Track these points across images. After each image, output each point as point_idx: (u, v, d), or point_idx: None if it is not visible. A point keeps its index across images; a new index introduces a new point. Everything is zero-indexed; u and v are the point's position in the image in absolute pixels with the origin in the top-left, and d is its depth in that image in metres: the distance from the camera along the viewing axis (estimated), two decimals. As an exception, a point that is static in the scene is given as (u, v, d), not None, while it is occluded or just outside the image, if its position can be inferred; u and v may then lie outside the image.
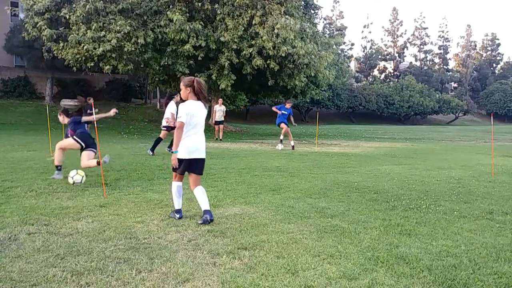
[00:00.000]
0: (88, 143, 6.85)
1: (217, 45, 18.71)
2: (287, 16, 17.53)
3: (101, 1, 17.52)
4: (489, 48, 73.86)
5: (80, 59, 18.54)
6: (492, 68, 73.06)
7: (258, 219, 4.72)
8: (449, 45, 71.18)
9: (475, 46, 73.57)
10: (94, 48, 17.29)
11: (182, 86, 4.58)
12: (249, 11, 18.41)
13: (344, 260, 3.48)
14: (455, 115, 60.96)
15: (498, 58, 74.22)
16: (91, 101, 16.50)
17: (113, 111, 7.38)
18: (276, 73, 19.86)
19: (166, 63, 18.90)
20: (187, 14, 18.41)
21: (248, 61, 19.03)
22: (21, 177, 6.88)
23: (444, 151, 14.57)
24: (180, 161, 4.51)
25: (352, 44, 75.93)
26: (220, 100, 17.79)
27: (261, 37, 17.90)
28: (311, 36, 20.05)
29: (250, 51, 18.42)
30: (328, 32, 46.96)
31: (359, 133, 27.89)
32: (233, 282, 3.01)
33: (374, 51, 66.28)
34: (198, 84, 4.49)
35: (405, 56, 70.17)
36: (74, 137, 6.84)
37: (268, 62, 18.66)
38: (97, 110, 7.30)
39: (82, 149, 6.84)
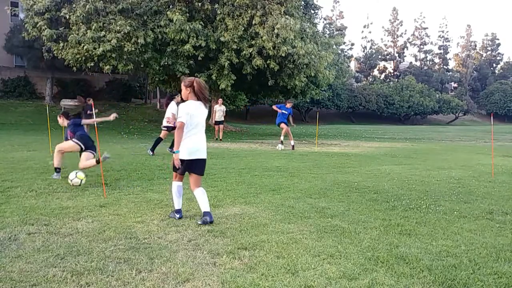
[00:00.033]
0: (88, 145, 6.86)
1: (217, 45, 18.71)
2: (287, 16, 17.53)
3: (101, 1, 17.53)
4: (489, 48, 73.87)
5: (80, 59, 18.54)
6: (492, 68, 73.07)
7: (258, 219, 4.72)
8: (449, 45, 71.25)
9: (475, 46, 73.59)
10: (94, 48, 17.30)
11: (182, 86, 4.59)
12: (249, 11, 18.41)
13: (344, 260, 3.47)
14: (455, 115, 60.96)
15: (498, 58, 74.23)
16: (91, 101, 16.51)
17: (113, 116, 7.43)
18: (276, 73, 19.86)
19: (166, 63, 18.90)
20: (187, 14, 18.41)
21: (248, 61, 19.03)
22: (21, 177, 6.88)
23: (444, 151, 14.57)
24: (181, 161, 4.51)
25: (352, 44, 75.98)
26: (220, 100, 17.80)
27: (261, 37, 17.90)
28: (311, 36, 20.05)
29: (250, 51, 18.42)
30: (328, 32, 46.96)
31: (359, 133, 27.89)
32: (233, 282, 3.01)
33: (374, 51, 66.29)
34: (198, 84, 4.49)
35: (405, 56, 70.22)
36: (74, 139, 6.85)
37: (268, 62, 18.66)
38: (97, 110, 7.32)
39: (81, 151, 6.85)
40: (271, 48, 17.76)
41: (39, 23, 18.40)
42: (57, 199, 5.49)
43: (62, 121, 7.19)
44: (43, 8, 18.23)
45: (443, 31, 70.85)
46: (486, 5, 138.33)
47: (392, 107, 54.44)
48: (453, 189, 6.86)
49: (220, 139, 16.91)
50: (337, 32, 49.41)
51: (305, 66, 19.39)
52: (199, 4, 18.81)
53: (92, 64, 18.67)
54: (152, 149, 10.65)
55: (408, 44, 69.66)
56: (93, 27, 17.27)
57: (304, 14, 22.25)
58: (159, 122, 24.17)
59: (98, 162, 6.57)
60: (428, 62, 71.06)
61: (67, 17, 17.86)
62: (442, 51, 70.65)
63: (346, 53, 58.37)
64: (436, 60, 71.45)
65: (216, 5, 19.32)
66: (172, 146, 10.41)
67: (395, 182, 7.40)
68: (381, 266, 3.38)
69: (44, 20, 18.36)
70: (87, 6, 17.24)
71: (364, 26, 72.15)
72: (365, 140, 20.35)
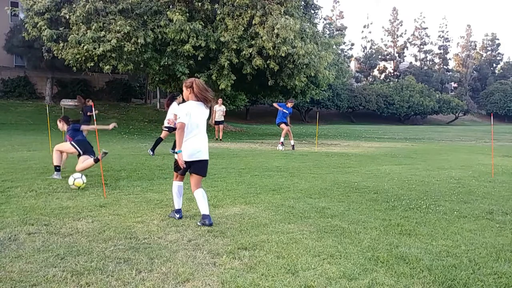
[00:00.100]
0: (86, 150, 6.86)
1: (217, 45, 18.71)
2: (287, 16, 17.52)
3: (101, 1, 17.53)
4: (489, 48, 73.86)
5: (80, 59, 18.53)
6: (492, 68, 73.05)
7: (258, 219, 4.72)
8: (449, 45, 71.25)
9: (475, 46, 73.57)
10: (94, 48, 17.29)
11: (183, 87, 4.59)
12: (249, 11, 18.41)
13: (344, 260, 3.48)
14: (455, 115, 60.95)
15: (498, 58, 74.20)
16: (90, 102, 16.48)
17: (112, 125, 7.59)
18: (276, 73, 19.85)
19: (166, 63, 18.90)
20: (187, 14, 18.41)
21: (248, 61, 19.03)
22: (21, 177, 6.88)
23: (444, 151, 14.57)
24: None
25: (352, 44, 76.05)
26: (220, 100, 17.80)
27: (261, 37, 17.90)
28: (311, 36, 20.03)
29: (250, 51, 18.42)
30: (328, 32, 47.04)
31: (359, 133, 27.90)
32: (233, 282, 3.01)
33: (374, 51, 66.29)
34: (197, 85, 4.48)
35: (405, 56, 70.20)
36: (72, 142, 6.86)
37: (268, 62, 18.66)
38: (97, 111, 7.34)
39: (79, 155, 6.86)
40: (271, 48, 17.75)
41: (39, 23, 18.39)
42: (57, 199, 5.49)
43: (62, 126, 7.21)
44: (43, 8, 18.23)
45: (443, 31, 70.88)
46: (486, 5, 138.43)
47: (392, 107, 54.44)
48: (453, 189, 6.86)
49: (220, 139, 16.92)
50: (337, 32, 49.47)
51: (305, 66, 19.39)
52: (199, 4, 18.80)
53: (92, 64, 18.66)
54: (153, 149, 10.65)
55: (408, 44, 69.67)
56: (93, 27, 17.27)
57: (304, 14, 22.24)
58: (159, 122, 24.20)
59: (97, 161, 6.57)
60: (428, 62, 71.06)
61: (67, 17, 17.86)
62: (442, 51, 70.64)
63: (346, 53, 58.44)
64: (436, 60, 71.45)
65: (216, 5, 19.31)
66: (174, 147, 10.42)
67: (395, 182, 7.40)
68: (381, 266, 3.38)
69: (44, 20, 18.36)
70: (87, 6, 17.24)
71: (364, 26, 72.12)
72: (365, 140, 20.35)
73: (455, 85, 73.86)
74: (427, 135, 27.54)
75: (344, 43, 55.29)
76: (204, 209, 4.47)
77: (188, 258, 3.48)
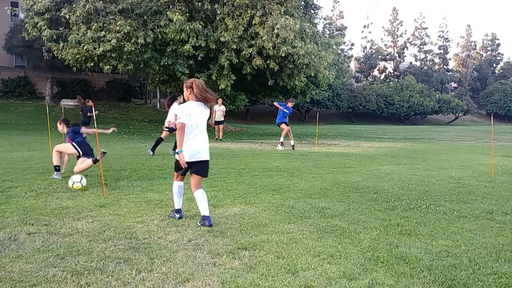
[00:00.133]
0: (86, 152, 6.88)
1: (217, 45, 18.70)
2: (287, 16, 17.52)
3: (101, 1, 17.52)
4: (489, 48, 73.85)
5: (80, 59, 18.53)
6: (492, 68, 73.05)
7: (258, 219, 4.72)
8: (449, 45, 71.23)
9: (475, 46, 73.56)
10: (94, 48, 17.29)
11: (184, 87, 4.59)
12: (249, 11, 18.40)
13: (344, 260, 3.48)
14: (455, 115, 60.94)
15: (498, 58, 74.20)
16: (90, 103, 16.48)
17: (111, 130, 7.68)
18: (276, 73, 19.85)
19: (166, 63, 18.90)
20: (187, 14, 18.41)
21: (248, 61, 19.03)
22: (21, 177, 6.88)
23: (444, 151, 14.57)
24: None
25: (352, 44, 76.03)
26: (220, 100, 17.79)
27: (261, 37, 17.89)
28: (311, 36, 20.03)
29: (250, 51, 18.41)
30: (328, 32, 47.04)
31: (359, 133, 27.90)
32: (233, 282, 3.01)
33: (374, 51, 66.29)
34: (197, 85, 4.48)
35: (405, 56, 70.19)
36: (73, 143, 6.87)
37: (268, 62, 18.66)
38: (97, 112, 7.36)
39: (78, 157, 6.87)
40: (271, 48, 17.75)
41: (39, 23, 18.39)
42: (57, 199, 5.49)
43: (62, 128, 7.21)
44: (43, 8, 18.22)
45: (443, 31, 70.87)
46: (486, 5, 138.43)
47: (392, 107, 54.44)
48: (453, 189, 6.86)
49: (220, 139, 16.92)
50: (337, 32, 49.47)
51: (305, 66, 19.38)
52: (199, 4, 18.80)
53: (92, 64, 18.66)
54: (153, 149, 10.65)
55: (408, 44, 69.67)
56: (93, 27, 17.26)
57: (304, 14, 22.23)
58: (159, 122, 24.20)
59: (95, 161, 6.60)
60: (428, 62, 71.05)
61: (67, 17, 17.85)
62: (442, 51, 70.63)
63: (346, 53, 58.44)
64: (436, 60, 71.45)
65: (216, 5, 19.31)
66: (174, 148, 10.42)
67: (395, 182, 7.40)
68: (381, 266, 3.38)
69: (44, 20, 18.35)
70: (87, 6, 17.23)
71: (364, 26, 72.10)
72: (365, 140, 20.35)
73: (455, 85, 73.86)
74: (427, 135, 27.55)
75: (344, 43, 55.31)
76: (204, 210, 4.46)
77: (188, 258, 3.48)
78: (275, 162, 9.86)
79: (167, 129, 10.63)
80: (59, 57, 19.47)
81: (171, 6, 18.94)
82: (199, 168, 4.53)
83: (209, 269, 3.27)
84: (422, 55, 70.74)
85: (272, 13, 17.75)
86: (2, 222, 4.35)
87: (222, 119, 17.48)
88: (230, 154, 11.47)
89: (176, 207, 4.70)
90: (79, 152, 6.83)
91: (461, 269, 3.34)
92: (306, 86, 23.43)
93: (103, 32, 17.31)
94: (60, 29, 18.30)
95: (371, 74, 67.61)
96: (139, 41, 17.40)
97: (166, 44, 18.75)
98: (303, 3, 23.36)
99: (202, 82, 4.59)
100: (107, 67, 18.40)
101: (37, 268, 3.19)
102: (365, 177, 7.99)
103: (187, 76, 18.20)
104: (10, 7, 22.04)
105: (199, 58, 18.74)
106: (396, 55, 69.06)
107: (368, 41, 68.08)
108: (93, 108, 7.31)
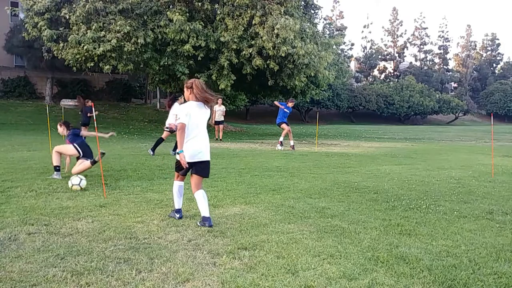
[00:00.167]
0: (86, 153, 6.90)
1: (217, 45, 18.70)
2: (287, 16, 17.51)
3: (101, 1, 17.52)
4: (489, 48, 73.85)
5: (80, 59, 18.53)
6: (492, 68, 73.05)
7: (258, 219, 4.72)
8: (449, 45, 71.23)
9: (475, 46, 73.57)
10: (94, 48, 17.29)
11: (184, 87, 4.60)
12: (249, 11, 18.40)
13: (344, 260, 3.48)
14: (455, 115, 60.95)
15: (498, 58, 74.20)
16: (90, 103, 16.46)
17: (110, 134, 7.74)
18: (276, 73, 19.85)
19: (166, 63, 18.90)
20: (187, 14, 18.40)
21: (248, 61, 19.03)
22: (21, 177, 6.88)
23: (444, 151, 14.57)
24: None
25: (352, 44, 76.04)
26: (220, 100, 17.78)
27: (261, 37, 17.89)
28: (311, 36, 20.02)
29: (250, 51, 18.41)
30: (328, 32, 47.01)
31: (359, 133, 27.90)
32: (233, 282, 3.01)
33: (374, 51, 66.28)
34: (197, 85, 4.48)
35: (405, 56, 70.20)
36: (75, 144, 6.89)
37: (268, 62, 18.66)
38: (97, 112, 7.38)
39: (78, 158, 6.88)
40: (271, 48, 17.75)
41: (39, 23, 18.39)
42: (57, 199, 5.49)
43: (63, 130, 7.23)
44: (43, 8, 18.22)
45: (443, 31, 70.88)
46: (486, 5, 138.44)
47: (392, 107, 54.44)
48: (453, 189, 6.86)
49: (220, 139, 16.92)
50: (337, 32, 49.44)
51: (305, 66, 19.38)
52: (199, 4, 18.80)
53: (92, 64, 18.65)
54: (153, 149, 10.65)
55: (408, 44, 69.67)
56: (93, 27, 17.26)
57: (304, 14, 22.23)
58: (159, 122, 24.20)
59: (94, 163, 6.65)
60: (428, 62, 71.05)
61: (67, 17, 17.85)
62: (442, 51, 70.64)
63: (346, 53, 58.43)
64: (436, 60, 71.45)
65: (216, 5, 19.30)
66: (174, 149, 10.43)
67: (395, 182, 7.40)
68: (381, 266, 3.38)
69: (44, 20, 18.35)
70: (87, 6, 17.23)
71: (364, 26, 72.11)
72: (365, 140, 20.35)
73: (455, 85, 73.85)
74: (427, 135, 27.55)
75: (344, 43, 55.32)
76: (204, 211, 4.45)
77: (188, 258, 3.48)
78: (275, 162, 9.86)
79: (168, 130, 10.63)
80: (59, 57, 19.47)
81: (171, 6, 18.94)
82: (200, 168, 4.52)
83: (209, 269, 3.27)
84: (422, 55, 70.76)
85: (272, 13, 17.75)
86: (2, 222, 4.35)
87: (222, 119, 17.48)
88: (230, 154, 11.47)
89: (176, 207, 4.70)
90: (79, 153, 6.85)
91: (461, 269, 3.34)
92: (306, 86, 23.43)
93: (103, 32, 17.31)
94: (60, 29, 18.30)
95: (371, 74, 67.60)
96: (139, 41, 17.40)
97: (166, 44, 18.75)
98: (303, 3, 23.35)
99: (202, 83, 4.58)
100: (107, 67, 18.39)
101: (37, 268, 3.19)
102: (365, 177, 7.99)
103: (187, 76, 18.20)
104: (10, 7, 22.04)
105: (199, 58, 18.74)
106: (396, 55, 69.06)
107: (368, 41, 68.18)
108: (93, 108, 7.31)
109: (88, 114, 16.24)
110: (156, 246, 3.76)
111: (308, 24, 21.04)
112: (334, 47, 24.18)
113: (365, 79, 65.84)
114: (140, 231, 4.18)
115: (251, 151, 12.65)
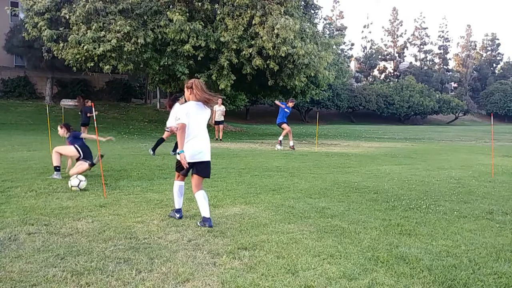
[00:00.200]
0: (86, 155, 6.91)
1: (217, 45, 18.70)
2: (287, 16, 17.51)
3: (101, 1, 17.52)
4: (489, 48, 73.86)
5: (80, 59, 18.53)
6: (492, 68, 73.06)
7: (258, 219, 4.72)
8: (449, 45, 71.25)
9: (475, 46, 73.58)
10: (94, 48, 17.29)
11: (185, 88, 4.60)
12: (249, 11, 18.40)
13: (344, 260, 3.48)
14: (455, 115, 60.95)
15: (498, 58, 74.21)
16: (89, 103, 16.46)
17: (108, 138, 7.78)
18: (276, 73, 19.85)
19: (166, 63, 18.90)
20: (187, 14, 18.41)
21: (248, 61, 19.03)
22: (21, 177, 6.88)
23: (444, 151, 14.57)
24: None
25: (352, 44, 76.08)
26: (220, 100, 17.78)
27: (261, 37, 17.90)
28: (311, 36, 20.03)
29: (250, 51, 18.42)
30: (328, 32, 47.04)
31: (359, 133, 27.90)
32: (233, 282, 3.01)
33: (374, 51, 66.29)
34: (196, 86, 4.48)
35: (405, 56, 70.22)
36: (76, 145, 6.90)
37: (268, 62, 18.66)
38: (97, 112, 7.39)
39: (77, 159, 6.89)
40: (271, 48, 17.75)
41: (39, 23, 18.39)
42: (57, 199, 5.49)
43: (63, 132, 7.23)
44: (43, 8, 18.22)
45: (443, 31, 70.89)
46: (486, 5, 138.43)
47: (392, 107, 54.45)
48: (453, 189, 6.86)
49: (220, 139, 16.92)
50: (337, 32, 49.47)
51: (305, 66, 19.38)
52: (199, 4, 18.80)
53: (92, 64, 18.65)
54: (153, 149, 10.65)
55: (408, 44, 69.69)
56: (93, 27, 17.26)
57: (304, 14, 22.23)
58: (159, 122, 24.20)
59: (92, 165, 6.71)
60: (428, 62, 71.06)
61: (67, 17, 17.85)
62: (442, 51, 70.65)
63: (346, 53, 58.46)
64: (436, 60, 71.47)
65: (216, 5, 19.30)
66: (174, 149, 10.43)
67: (395, 182, 7.40)
68: (381, 266, 3.38)
69: (44, 20, 18.35)
70: (87, 6, 17.23)
71: (364, 26, 72.11)
72: (365, 140, 20.35)
73: (455, 85, 73.86)
74: (427, 135, 27.54)
75: (344, 43, 55.33)
76: (204, 211, 4.45)
77: (188, 258, 3.48)
78: (275, 162, 9.86)
79: (168, 130, 10.62)
80: (59, 57, 19.48)
81: (171, 6, 18.94)
82: (201, 168, 4.52)
83: (209, 269, 3.27)
84: (422, 55, 70.78)
85: (272, 13, 17.75)
86: (2, 222, 4.35)
87: (222, 119, 17.48)
88: (230, 154, 11.47)
89: (176, 206, 4.70)
90: (80, 154, 6.87)
91: (461, 269, 3.34)
92: (306, 86, 23.44)
93: (103, 32, 17.31)
94: (60, 29, 18.30)
95: (371, 74, 67.61)
96: (139, 41, 17.40)
97: (166, 44, 18.76)
98: (303, 3, 23.35)
99: (202, 83, 4.59)
100: (107, 67, 18.40)
101: (37, 268, 3.19)
102: (365, 177, 7.98)
103: (187, 76, 18.20)
104: (10, 7, 22.04)
105: (199, 58, 18.74)
106: (396, 55, 69.07)
107: (368, 41, 68.19)
108: (93, 109, 7.31)
109: (88, 114, 16.24)
110: (156, 246, 3.76)
111: (308, 24, 21.05)
112: (334, 47, 24.18)
113: (365, 79, 65.85)
114: (140, 231, 4.18)
115: (251, 151, 12.65)
